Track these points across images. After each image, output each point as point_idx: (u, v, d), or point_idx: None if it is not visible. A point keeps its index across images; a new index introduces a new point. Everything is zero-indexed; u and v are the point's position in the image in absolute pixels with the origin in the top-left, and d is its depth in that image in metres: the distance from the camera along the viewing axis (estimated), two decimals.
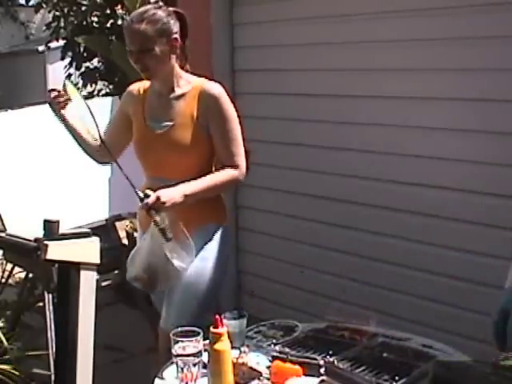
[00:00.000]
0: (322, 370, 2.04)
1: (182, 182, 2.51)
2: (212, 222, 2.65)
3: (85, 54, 6.67)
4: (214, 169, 2.65)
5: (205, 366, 2.08)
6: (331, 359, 2.08)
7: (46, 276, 2.53)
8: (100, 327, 2.46)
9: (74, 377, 2.40)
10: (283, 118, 3.94)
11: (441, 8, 3.09)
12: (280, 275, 4.06)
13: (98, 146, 2.69)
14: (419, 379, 1.98)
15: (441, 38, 3.11)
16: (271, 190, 4.07)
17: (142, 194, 2.44)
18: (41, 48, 13.65)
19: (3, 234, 2.86)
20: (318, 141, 3.75)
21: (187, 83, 2.62)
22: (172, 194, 2.46)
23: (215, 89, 2.59)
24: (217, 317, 2.08)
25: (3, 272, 3.63)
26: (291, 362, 2.10)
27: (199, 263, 2.58)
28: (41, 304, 2.67)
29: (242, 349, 2.17)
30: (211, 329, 2.07)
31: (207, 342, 2.08)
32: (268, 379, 2.07)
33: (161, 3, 2.62)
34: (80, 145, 2.77)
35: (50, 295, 2.55)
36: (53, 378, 2.49)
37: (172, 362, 2.13)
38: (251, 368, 2.08)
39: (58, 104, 2.65)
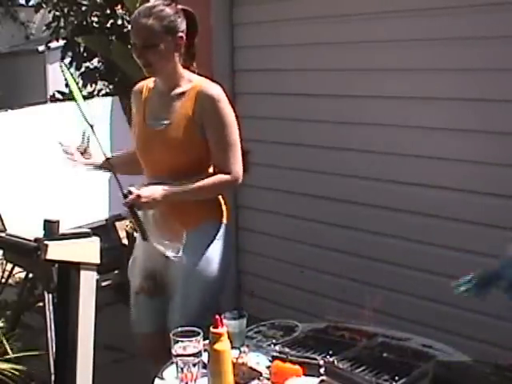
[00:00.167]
0: (322, 370, 2.04)
1: (177, 181, 2.51)
2: (211, 221, 2.63)
3: (85, 54, 6.68)
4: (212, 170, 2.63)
5: (205, 366, 2.08)
6: (331, 359, 2.08)
7: (46, 276, 2.52)
8: (100, 327, 2.46)
9: (73, 377, 2.40)
10: (283, 117, 3.94)
11: (441, 8, 3.09)
12: (280, 275, 4.06)
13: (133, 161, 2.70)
14: (419, 379, 1.98)
15: (441, 38, 3.11)
16: (271, 190, 4.07)
17: (125, 191, 2.45)
18: (41, 48, 13.66)
19: (3, 234, 2.86)
20: (318, 141, 3.75)
21: (188, 82, 2.59)
22: (152, 193, 2.46)
23: (213, 90, 2.55)
24: (217, 317, 2.08)
25: (3, 272, 3.63)
26: (291, 361, 2.10)
27: (201, 263, 2.57)
28: (41, 304, 2.66)
29: (242, 349, 2.17)
30: (211, 329, 2.07)
31: (207, 341, 2.08)
32: (268, 379, 2.07)
33: (169, 0, 2.59)
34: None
35: (50, 295, 2.55)
36: (53, 378, 2.49)
37: (172, 362, 2.13)
38: (251, 368, 2.08)
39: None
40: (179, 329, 2.14)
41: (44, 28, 7.97)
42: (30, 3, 8.90)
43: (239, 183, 2.59)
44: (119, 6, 6.31)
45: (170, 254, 2.48)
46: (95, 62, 6.85)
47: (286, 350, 2.19)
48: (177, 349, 2.07)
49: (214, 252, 2.60)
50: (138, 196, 2.43)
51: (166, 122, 2.57)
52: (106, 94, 6.62)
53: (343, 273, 3.66)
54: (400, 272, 3.38)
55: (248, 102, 4.11)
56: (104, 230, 3.50)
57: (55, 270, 2.47)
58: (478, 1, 2.97)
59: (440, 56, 3.14)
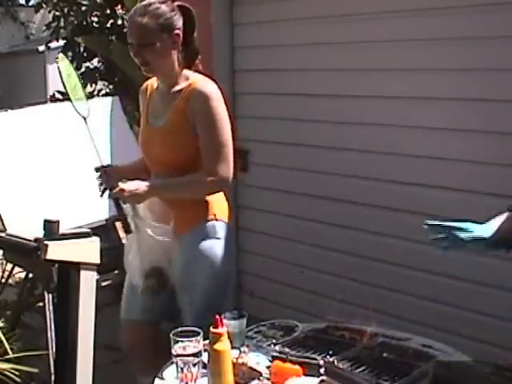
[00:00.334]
0: (322, 370, 2.03)
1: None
2: (211, 220, 2.62)
3: (85, 54, 6.68)
4: None
5: (205, 366, 2.08)
6: (331, 359, 2.08)
7: (46, 276, 2.52)
8: (100, 327, 2.46)
9: (73, 377, 2.40)
10: (283, 117, 3.94)
11: (441, 8, 3.09)
12: (280, 275, 4.06)
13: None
14: (419, 379, 1.98)
15: (441, 38, 3.11)
16: (271, 190, 4.07)
17: (113, 185, 2.51)
18: (41, 48, 13.63)
19: (3, 234, 2.86)
20: (318, 141, 3.75)
21: (186, 80, 2.58)
22: (136, 188, 2.48)
23: (206, 88, 2.53)
24: (217, 317, 2.08)
25: (3, 272, 3.63)
26: (291, 361, 2.10)
27: (203, 264, 2.58)
28: (41, 304, 2.66)
29: (242, 349, 2.16)
30: (211, 329, 2.07)
31: (207, 341, 2.08)
32: (268, 379, 2.06)
33: None
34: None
35: (50, 295, 2.55)
36: (53, 378, 2.49)
37: (172, 362, 2.13)
38: (251, 368, 2.07)
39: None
40: (179, 329, 2.13)
41: (44, 28, 7.97)
42: (30, 3, 8.90)
43: (228, 185, 2.56)
44: (119, 6, 6.31)
45: (159, 236, 2.50)
46: (95, 62, 6.85)
47: (286, 349, 2.19)
48: (177, 349, 2.07)
49: (216, 252, 2.60)
50: (122, 190, 2.47)
51: (163, 121, 2.58)
52: (106, 94, 6.62)
53: (343, 273, 3.66)
54: (400, 272, 3.38)
55: (248, 102, 4.12)
56: (104, 230, 3.50)
57: (55, 270, 2.47)
58: (478, 1, 2.97)
59: (440, 56, 3.14)
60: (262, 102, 4.05)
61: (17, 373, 2.76)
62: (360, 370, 2.05)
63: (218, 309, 2.26)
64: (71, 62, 6.75)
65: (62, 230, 2.48)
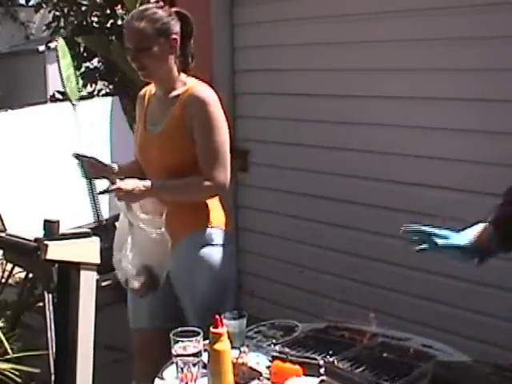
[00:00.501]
0: (322, 370, 2.04)
1: None
2: (207, 227, 2.62)
3: (85, 54, 6.67)
4: None
5: (205, 366, 2.08)
6: (331, 359, 2.08)
7: (46, 276, 2.53)
8: (100, 327, 2.46)
9: (74, 377, 2.40)
10: (283, 117, 3.94)
11: (441, 8, 3.09)
12: (280, 275, 4.06)
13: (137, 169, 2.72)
14: (419, 379, 1.98)
15: (441, 38, 3.11)
16: (271, 190, 4.07)
17: (112, 180, 2.50)
18: (41, 48, 13.65)
19: (3, 234, 2.86)
20: (318, 141, 3.75)
21: (183, 85, 2.58)
22: (133, 187, 2.46)
23: (203, 93, 2.53)
24: (217, 317, 2.08)
25: (3, 272, 3.63)
26: (291, 361, 2.10)
27: (203, 268, 2.58)
28: (41, 304, 2.67)
29: (242, 349, 2.17)
30: (211, 329, 2.07)
31: (207, 341, 2.08)
32: (268, 379, 2.07)
33: (162, 3, 2.60)
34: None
35: (50, 295, 2.55)
36: (53, 378, 2.49)
37: (172, 362, 2.13)
38: (251, 368, 2.08)
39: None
40: (179, 329, 2.14)
41: (44, 28, 7.97)
42: (30, 3, 8.91)
43: (225, 190, 2.55)
44: (119, 6, 6.30)
45: (151, 230, 2.48)
46: (95, 61, 6.84)
47: (286, 349, 2.19)
48: (177, 349, 2.07)
49: (214, 257, 2.60)
50: (119, 188, 2.45)
51: (161, 126, 2.57)
52: (106, 94, 6.62)
53: (343, 273, 3.66)
54: (400, 272, 3.38)
55: (248, 102, 4.12)
56: (104, 230, 3.50)
57: (55, 270, 2.48)
58: (478, 1, 2.97)
59: (440, 56, 3.14)
60: (262, 101, 4.05)
61: (17, 373, 2.77)
62: (360, 369, 2.05)
63: (218, 310, 2.26)
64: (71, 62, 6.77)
65: (62, 229, 2.48)
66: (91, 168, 2.68)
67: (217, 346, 2.04)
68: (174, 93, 2.58)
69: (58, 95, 6.92)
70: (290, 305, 3.88)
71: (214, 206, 2.65)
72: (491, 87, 2.97)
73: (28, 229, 2.62)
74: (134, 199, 2.50)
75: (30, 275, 3.19)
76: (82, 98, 6.46)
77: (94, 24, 6.66)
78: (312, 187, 3.81)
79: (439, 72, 3.17)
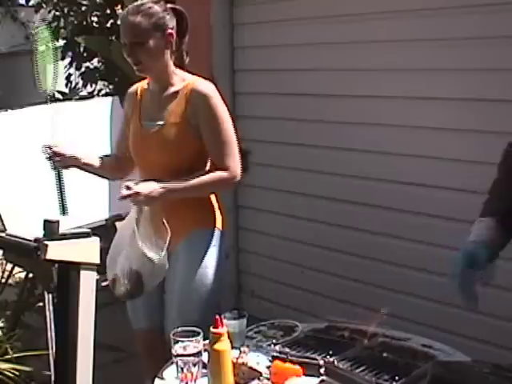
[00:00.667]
0: (322, 370, 2.03)
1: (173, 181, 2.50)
2: (204, 227, 2.61)
3: (85, 54, 6.66)
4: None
5: (205, 366, 2.08)
6: (331, 359, 2.08)
7: (45, 276, 2.53)
8: (100, 327, 2.46)
9: (74, 377, 2.40)
10: (283, 117, 3.94)
11: (441, 8, 3.09)
12: (280, 275, 4.06)
13: (109, 165, 2.73)
14: (419, 379, 1.98)
15: (441, 38, 3.11)
16: (271, 190, 4.07)
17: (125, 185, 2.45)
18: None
19: (3, 234, 2.86)
20: (318, 141, 3.75)
21: (181, 81, 2.57)
22: (151, 190, 2.44)
23: (205, 88, 2.53)
24: (217, 317, 2.08)
25: (3, 272, 3.63)
26: (291, 361, 2.10)
27: (196, 271, 2.56)
28: (41, 304, 2.67)
29: (242, 349, 2.16)
30: (211, 329, 2.07)
31: (207, 341, 2.08)
32: (268, 379, 2.06)
33: None
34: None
35: (50, 295, 2.55)
36: (53, 378, 2.49)
37: (172, 362, 2.13)
38: (251, 368, 2.07)
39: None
40: (179, 329, 2.13)
41: None
42: (30, 3, 8.89)
43: (238, 181, 2.57)
44: (119, 6, 6.30)
45: (152, 254, 2.44)
46: (95, 62, 6.84)
47: (286, 349, 2.19)
48: (177, 349, 2.07)
49: (209, 259, 2.59)
50: (137, 193, 2.41)
51: (160, 123, 2.55)
52: (106, 94, 6.61)
53: (343, 273, 3.66)
54: (400, 272, 3.38)
55: (248, 102, 4.12)
56: (104, 230, 3.50)
57: (55, 270, 2.48)
58: (478, 1, 2.97)
59: (440, 56, 3.14)
60: (262, 101, 4.05)
61: (17, 373, 2.77)
62: (360, 369, 2.04)
63: (205, 314, 2.26)
64: (71, 62, 6.77)
65: (62, 229, 2.48)
66: (57, 157, 2.69)
67: (217, 346, 2.04)
68: (172, 89, 2.57)
69: (58, 95, 6.93)
70: (290, 305, 3.88)
71: (213, 205, 2.65)
72: (492, 87, 2.97)
73: (28, 229, 2.62)
74: (152, 203, 2.47)
75: (30, 275, 3.19)
76: (82, 98, 6.48)
77: (94, 24, 6.66)
78: (312, 187, 3.81)
79: (439, 72, 3.17)
